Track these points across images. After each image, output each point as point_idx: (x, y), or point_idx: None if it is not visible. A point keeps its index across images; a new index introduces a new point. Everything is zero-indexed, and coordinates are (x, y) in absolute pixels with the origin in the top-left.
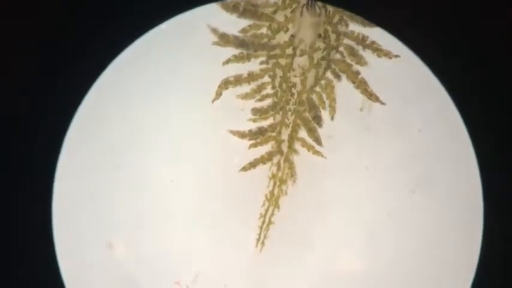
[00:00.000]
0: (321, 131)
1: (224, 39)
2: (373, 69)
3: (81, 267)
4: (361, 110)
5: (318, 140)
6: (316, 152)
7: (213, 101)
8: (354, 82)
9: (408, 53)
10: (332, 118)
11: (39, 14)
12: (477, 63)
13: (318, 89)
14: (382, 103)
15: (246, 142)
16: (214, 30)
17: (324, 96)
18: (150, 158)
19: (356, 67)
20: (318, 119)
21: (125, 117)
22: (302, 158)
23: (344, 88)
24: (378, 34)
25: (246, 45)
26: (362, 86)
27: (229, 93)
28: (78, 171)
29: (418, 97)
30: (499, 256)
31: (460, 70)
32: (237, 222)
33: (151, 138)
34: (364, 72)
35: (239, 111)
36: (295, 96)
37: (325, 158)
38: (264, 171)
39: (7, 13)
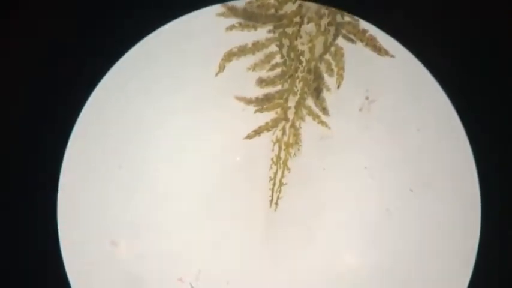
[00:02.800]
0: (321, 131)
1: (233, 12)
2: (372, 68)
3: (85, 264)
4: (360, 110)
5: (324, 110)
6: (321, 122)
7: (216, 75)
8: (362, 41)
9: (406, 53)
10: (338, 87)
11: (41, 15)
12: (475, 63)
13: (327, 56)
14: (392, 56)
15: (247, 144)
16: (224, 4)
17: (333, 63)
18: (152, 157)
19: (363, 25)
20: (318, 91)
21: (127, 117)
22: (308, 128)
23: (343, 89)
24: (374, 33)
25: (254, 18)
26: (371, 43)
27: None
28: (82, 171)
29: (416, 97)
30: (497, 254)
31: (458, 70)
32: (239, 223)
33: (154, 138)
34: (362, 70)
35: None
36: (304, 64)
37: (329, 128)
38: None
39: (8, 14)
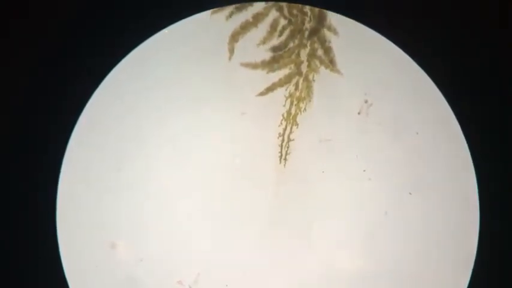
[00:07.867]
0: (319, 134)
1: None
2: (370, 72)
3: (84, 267)
4: (359, 113)
5: (332, 62)
6: (334, 70)
7: (230, 59)
8: None
9: (405, 57)
10: None
11: (41, 16)
12: (473, 66)
13: None
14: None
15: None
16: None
17: None
18: (152, 158)
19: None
20: (322, 39)
21: (127, 119)
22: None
23: (341, 92)
24: (373, 37)
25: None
26: None
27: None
28: (81, 173)
29: (415, 100)
30: (496, 256)
31: (456, 73)
32: (238, 226)
33: (153, 141)
34: (361, 75)
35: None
36: (309, 13)
37: (342, 74)
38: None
39: (10, 14)
